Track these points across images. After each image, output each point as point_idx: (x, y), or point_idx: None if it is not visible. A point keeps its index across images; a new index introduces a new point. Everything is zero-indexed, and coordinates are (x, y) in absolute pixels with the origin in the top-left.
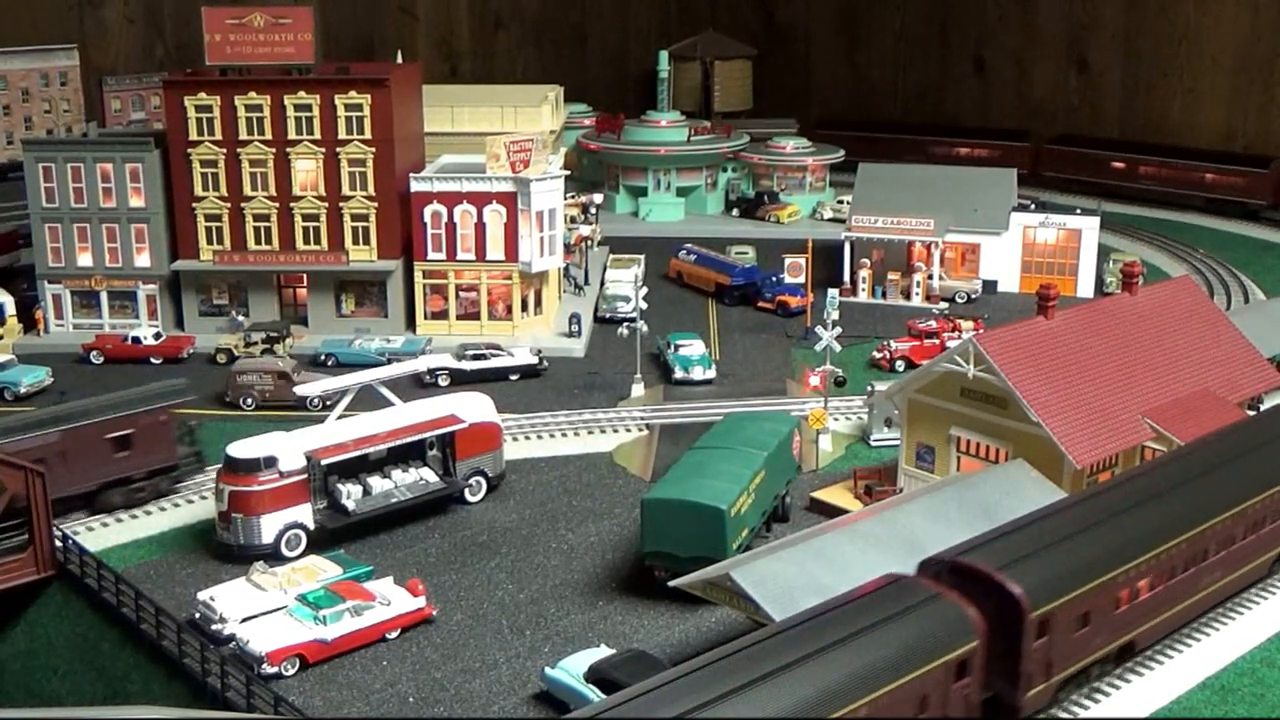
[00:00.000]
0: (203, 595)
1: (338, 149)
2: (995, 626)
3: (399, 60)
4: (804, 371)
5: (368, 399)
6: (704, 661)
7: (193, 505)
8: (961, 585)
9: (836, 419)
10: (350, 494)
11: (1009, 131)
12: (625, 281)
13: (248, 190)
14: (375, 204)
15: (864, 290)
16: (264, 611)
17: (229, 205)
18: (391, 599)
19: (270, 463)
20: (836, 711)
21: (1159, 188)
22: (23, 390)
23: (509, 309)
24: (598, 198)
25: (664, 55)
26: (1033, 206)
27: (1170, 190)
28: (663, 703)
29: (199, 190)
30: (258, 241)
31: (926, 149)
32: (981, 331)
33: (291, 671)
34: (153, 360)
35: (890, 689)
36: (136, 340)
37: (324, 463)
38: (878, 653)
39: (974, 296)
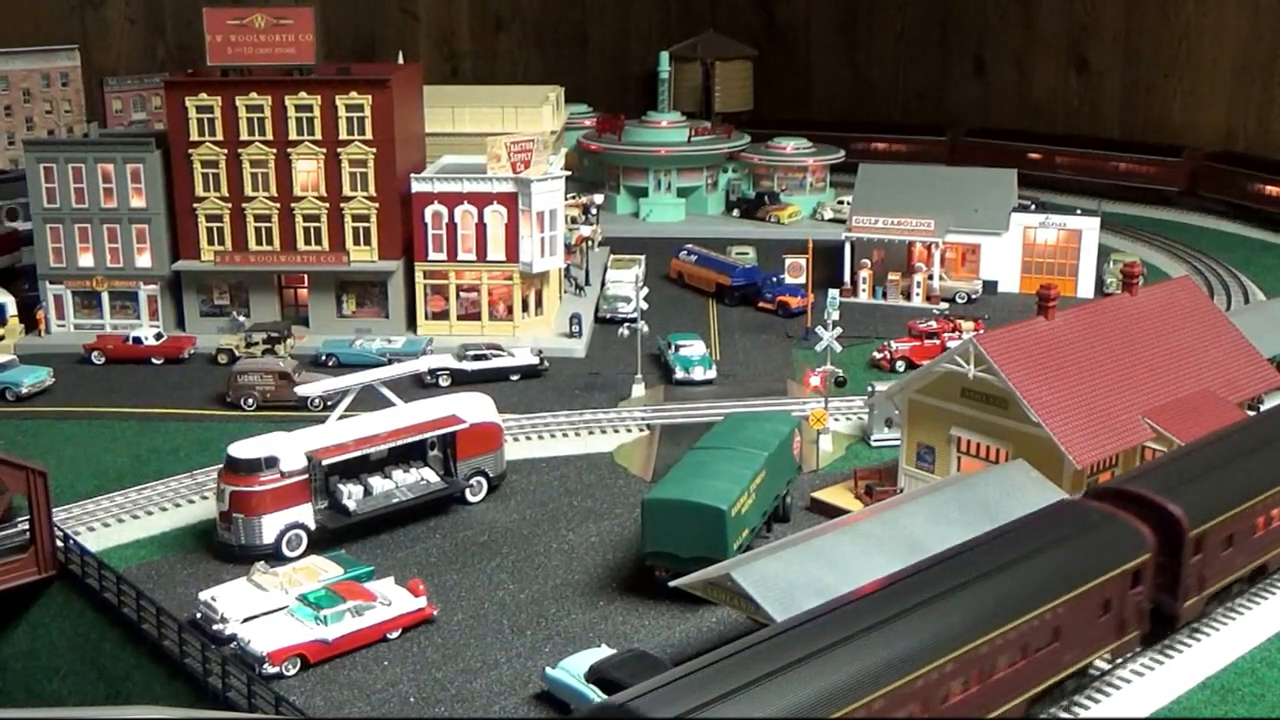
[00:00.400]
0: (204, 595)
1: (339, 149)
2: (1157, 544)
3: (400, 61)
4: (805, 372)
5: (369, 399)
6: (919, 567)
7: (194, 505)
8: (1126, 509)
9: (837, 419)
10: (351, 494)
11: (925, 127)
12: (626, 282)
13: (249, 191)
14: (376, 204)
15: (864, 291)
16: (265, 612)
17: (230, 206)
18: (392, 599)
19: (271, 463)
20: (1041, 607)
21: (1074, 176)
22: (24, 390)
23: (510, 309)
24: (598, 198)
25: (664, 56)
26: (1033, 207)
27: (1085, 179)
28: (852, 617)
29: (200, 191)
30: (259, 242)
31: (846, 144)
32: (982, 332)
33: (293, 672)
34: (154, 360)
35: (1082, 591)
36: (138, 341)
37: (325, 463)
38: (1072, 560)
39: (974, 297)
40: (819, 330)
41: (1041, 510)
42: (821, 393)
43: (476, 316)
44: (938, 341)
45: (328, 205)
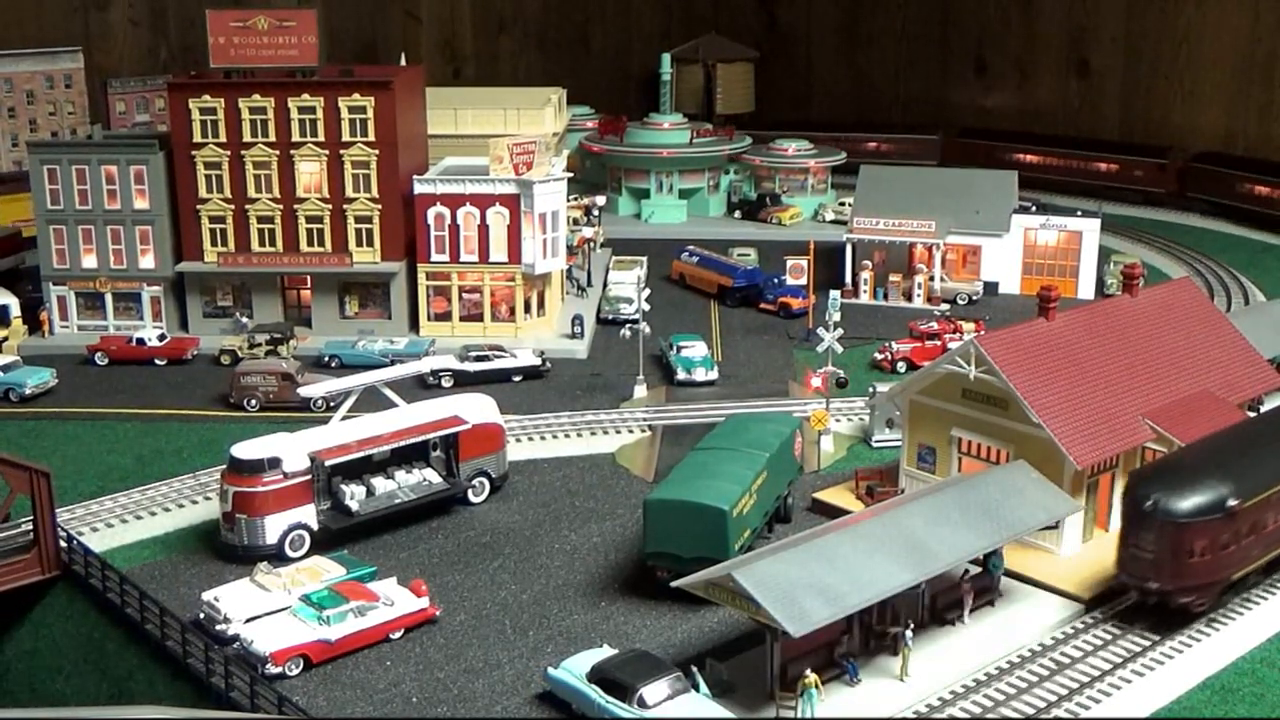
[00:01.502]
0: (207, 596)
1: (341, 151)
2: None
3: (402, 63)
4: (805, 373)
5: (371, 400)
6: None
7: (197, 506)
8: None
9: (838, 420)
10: (354, 495)
11: (741, 116)
12: (628, 283)
13: (252, 192)
14: (379, 206)
15: (865, 292)
16: (268, 612)
17: (233, 207)
18: (395, 599)
19: (274, 464)
20: None
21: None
22: (28, 391)
23: (512, 310)
24: (600, 200)
25: (666, 58)
26: (1034, 209)
27: (911, 163)
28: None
29: (203, 192)
30: (262, 243)
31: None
32: (983, 333)
33: (295, 672)
34: (157, 362)
35: None
36: (141, 342)
37: (328, 464)
38: None
39: (975, 298)
40: (820, 331)
41: None
42: (822, 394)
43: (479, 317)
44: (939, 343)
45: (330, 207)
